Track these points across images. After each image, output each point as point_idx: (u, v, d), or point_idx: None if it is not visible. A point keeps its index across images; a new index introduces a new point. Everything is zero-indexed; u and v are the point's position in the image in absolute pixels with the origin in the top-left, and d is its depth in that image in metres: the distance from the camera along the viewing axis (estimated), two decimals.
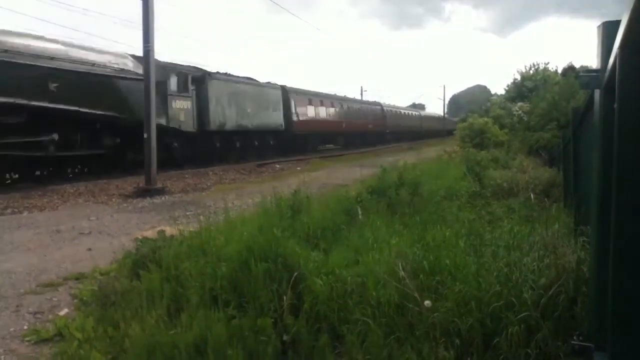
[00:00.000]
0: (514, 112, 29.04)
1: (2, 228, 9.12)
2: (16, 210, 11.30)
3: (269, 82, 30.66)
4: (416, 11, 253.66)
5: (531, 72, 37.46)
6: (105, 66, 16.98)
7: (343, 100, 42.83)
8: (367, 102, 50.93)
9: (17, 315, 4.80)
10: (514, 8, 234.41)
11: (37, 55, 14.38)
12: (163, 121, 19.18)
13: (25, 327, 4.49)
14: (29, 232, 8.80)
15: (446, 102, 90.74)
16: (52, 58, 14.82)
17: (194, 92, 21.81)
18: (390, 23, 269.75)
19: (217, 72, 24.62)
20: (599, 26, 2.11)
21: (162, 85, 18.71)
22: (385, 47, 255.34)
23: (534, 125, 20.03)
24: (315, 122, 35.53)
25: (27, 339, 4.24)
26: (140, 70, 16.35)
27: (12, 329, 4.45)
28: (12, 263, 6.65)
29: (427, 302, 3.42)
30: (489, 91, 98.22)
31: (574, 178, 6.32)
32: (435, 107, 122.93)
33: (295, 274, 4.12)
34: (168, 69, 20.30)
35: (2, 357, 3.93)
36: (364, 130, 45.44)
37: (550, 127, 17.89)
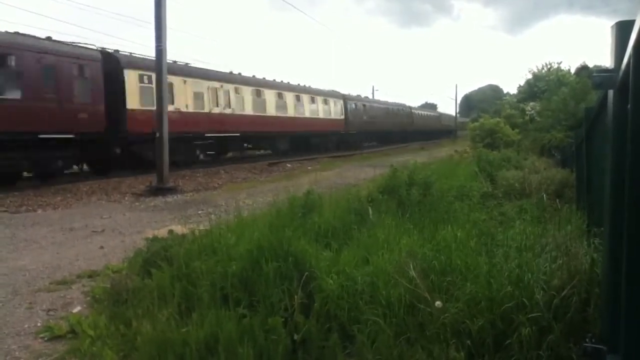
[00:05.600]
0: (527, 112, 28.83)
1: (17, 226, 9.24)
2: (30, 208, 11.45)
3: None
4: (424, 9, 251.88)
5: (544, 71, 37.17)
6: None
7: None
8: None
9: (30, 312, 4.86)
10: (524, 6, 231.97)
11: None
12: None
13: (39, 324, 4.54)
14: (43, 229, 8.90)
15: (458, 101, 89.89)
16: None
17: None
18: (398, 21, 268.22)
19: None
20: (612, 26, 2.10)
21: None
22: (395, 46, 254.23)
23: (542, 126, 19.86)
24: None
25: (40, 335, 4.30)
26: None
27: (26, 326, 4.51)
28: (26, 260, 6.74)
29: (437, 303, 3.41)
30: (501, 90, 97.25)
31: (587, 179, 6.26)
32: (447, 107, 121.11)
33: (306, 273, 4.13)
34: None
35: (17, 353, 3.98)
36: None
37: (560, 128, 17.70)
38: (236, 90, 25.40)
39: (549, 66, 37.47)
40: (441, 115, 76.87)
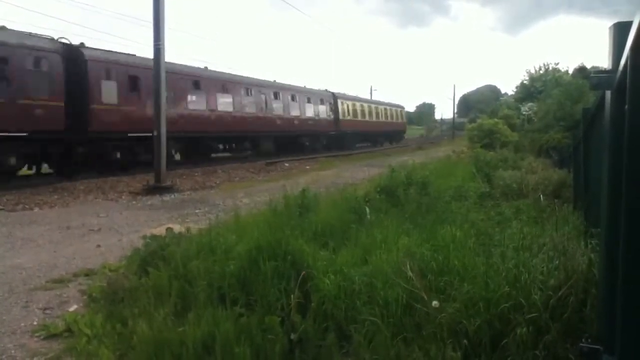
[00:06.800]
0: (524, 113, 28.92)
1: (14, 224, 9.21)
2: (27, 206, 11.41)
3: None
4: (422, 9, 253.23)
5: (541, 72, 37.28)
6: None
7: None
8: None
9: (27, 311, 4.85)
10: (522, 7, 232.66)
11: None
12: None
13: (35, 323, 4.53)
14: (40, 228, 8.88)
15: (456, 101, 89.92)
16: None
17: None
18: (397, 21, 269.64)
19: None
20: (610, 27, 2.10)
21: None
22: (393, 46, 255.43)
23: (537, 126, 19.91)
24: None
25: (37, 334, 4.29)
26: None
27: (22, 324, 4.50)
28: (23, 259, 6.72)
29: (435, 303, 3.41)
30: (499, 91, 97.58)
31: (585, 179, 6.27)
32: (446, 107, 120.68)
33: (303, 272, 4.13)
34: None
35: (13, 351, 3.97)
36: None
37: (557, 129, 17.73)
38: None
39: (546, 67, 37.60)
40: (337, 98, 36.98)
